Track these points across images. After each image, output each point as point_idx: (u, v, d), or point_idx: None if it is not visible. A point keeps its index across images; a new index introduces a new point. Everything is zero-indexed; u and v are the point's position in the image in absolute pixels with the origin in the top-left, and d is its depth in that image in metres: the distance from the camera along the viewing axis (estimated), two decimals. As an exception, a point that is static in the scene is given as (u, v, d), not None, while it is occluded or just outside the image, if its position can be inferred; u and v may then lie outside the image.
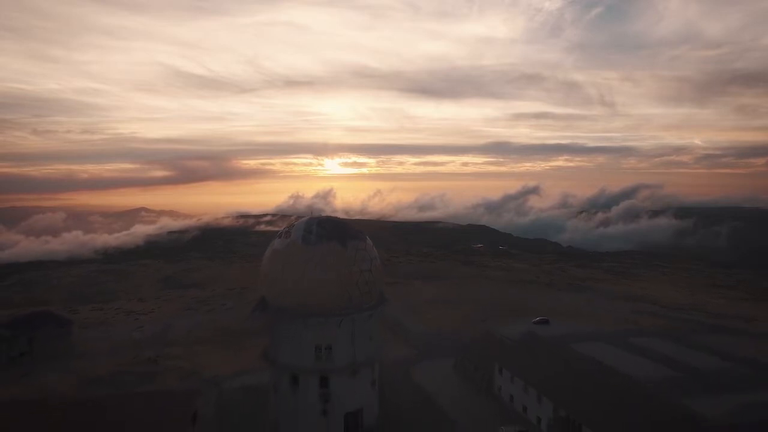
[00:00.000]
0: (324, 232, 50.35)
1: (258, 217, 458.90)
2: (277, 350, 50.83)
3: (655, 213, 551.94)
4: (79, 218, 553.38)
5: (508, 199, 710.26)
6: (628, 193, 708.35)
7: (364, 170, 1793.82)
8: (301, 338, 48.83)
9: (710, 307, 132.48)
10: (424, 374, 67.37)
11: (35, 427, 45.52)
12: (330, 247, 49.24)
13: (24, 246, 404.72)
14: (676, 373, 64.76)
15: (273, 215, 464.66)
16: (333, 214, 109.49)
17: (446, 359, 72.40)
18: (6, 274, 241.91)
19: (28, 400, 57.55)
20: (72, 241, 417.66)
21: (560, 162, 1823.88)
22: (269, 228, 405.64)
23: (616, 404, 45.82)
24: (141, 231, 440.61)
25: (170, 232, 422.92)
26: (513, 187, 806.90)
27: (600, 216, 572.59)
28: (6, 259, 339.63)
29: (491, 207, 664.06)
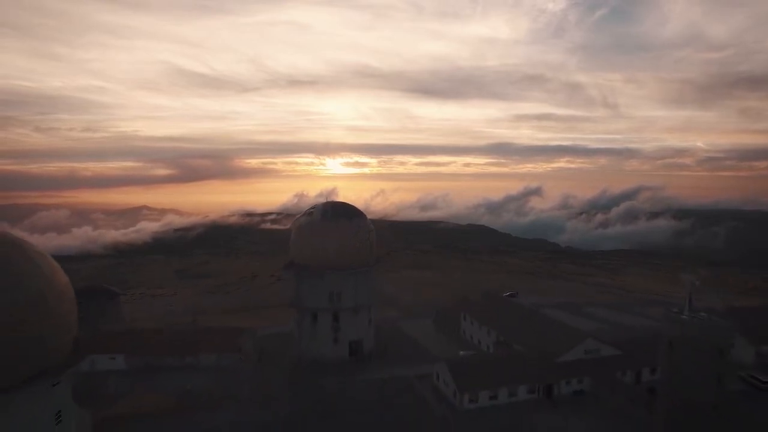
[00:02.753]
0: (336, 212, 70.43)
1: (263, 216, 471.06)
2: (301, 297, 70.05)
3: (654, 214, 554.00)
4: (81, 216, 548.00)
5: (509, 199, 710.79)
6: (629, 195, 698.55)
7: (366, 170, 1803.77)
8: (320, 287, 68.33)
9: (671, 294, 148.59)
10: (409, 326, 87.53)
11: (136, 345, 65.29)
12: (340, 222, 69.04)
13: (34, 241, 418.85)
14: (601, 325, 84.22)
15: (278, 214, 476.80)
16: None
17: (428, 319, 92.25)
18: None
19: (122, 330, 77.07)
20: (81, 237, 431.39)
21: (562, 163, 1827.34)
22: (274, 226, 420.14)
23: (539, 333, 65.03)
24: (148, 228, 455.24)
25: (176, 230, 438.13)
26: (515, 188, 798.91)
27: (600, 217, 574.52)
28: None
29: (492, 207, 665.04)
